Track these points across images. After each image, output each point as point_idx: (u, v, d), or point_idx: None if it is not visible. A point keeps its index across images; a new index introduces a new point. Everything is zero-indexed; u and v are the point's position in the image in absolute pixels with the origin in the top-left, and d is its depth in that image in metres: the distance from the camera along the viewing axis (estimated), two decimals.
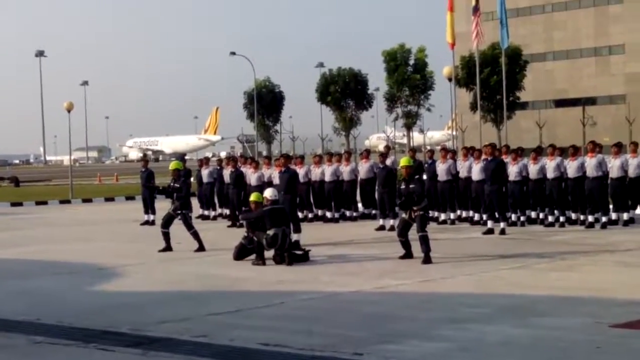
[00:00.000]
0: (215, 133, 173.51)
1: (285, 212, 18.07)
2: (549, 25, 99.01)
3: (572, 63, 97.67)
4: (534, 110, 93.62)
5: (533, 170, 22.98)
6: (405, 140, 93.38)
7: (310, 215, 26.59)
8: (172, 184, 19.95)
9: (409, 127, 77.29)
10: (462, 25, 59.05)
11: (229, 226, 25.69)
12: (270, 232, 17.12)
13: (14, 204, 40.14)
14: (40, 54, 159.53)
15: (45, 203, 40.82)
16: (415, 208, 16.82)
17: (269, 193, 18.03)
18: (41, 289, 15.19)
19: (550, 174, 22.65)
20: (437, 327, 10.80)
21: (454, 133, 52.76)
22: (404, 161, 17.62)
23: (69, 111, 47.21)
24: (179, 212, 19.64)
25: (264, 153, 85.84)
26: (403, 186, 17.13)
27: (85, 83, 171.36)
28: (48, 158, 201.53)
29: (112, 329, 11.18)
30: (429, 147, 60.94)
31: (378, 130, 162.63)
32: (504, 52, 45.41)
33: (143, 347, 10.07)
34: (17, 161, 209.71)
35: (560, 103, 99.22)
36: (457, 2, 42.94)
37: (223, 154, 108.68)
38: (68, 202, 41.57)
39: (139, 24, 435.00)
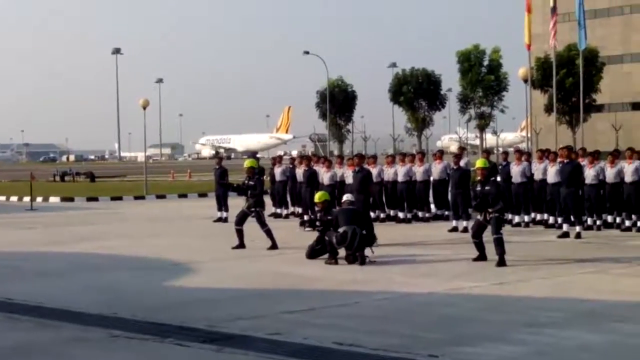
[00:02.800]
0: (287, 132, 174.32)
1: (358, 212, 17.95)
2: (627, 27, 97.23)
3: None
4: (610, 113, 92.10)
5: (610, 173, 22.62)
6: (477, 142, 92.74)
7: (382, 216, 26.53)
8: (246, 182, 20.06)
9: (482, 128, 76.66)
10: (538, 26, 58.42)
11: (300, 224, 25.67)
12: (340, 230, 17.11)
13: (90, 199, 40.87)
14: (116, 51, 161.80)
15: (120, 199, 41.43)
16: (490, 210, 16.68)
17: (346, 197, 18.37)
18: (117, 283, 15.40)
19: (628, 178, 22.27)
20: (512, 331, 10.68)
21: (529, 135, 52.16)
22: (479, 163, 17.47)
23: (144, 108, 47.78)
24: (253, 209, 19.74)
25: (335, 152, 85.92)
26: (478, 188, 17.00)
27: (160, 81, 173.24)
28: (122, 154, 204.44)
29: (188, 325, 11.27)
30: (501, 149, 60.43)
31: (450, 131, 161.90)
32: (581, 54, 44.72)
33: (218, 344, 10.14)
34: (92, 157, 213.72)
35: (638, 106, 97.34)
36: (533, 3, 42.46)
37: (294, 153, 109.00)
38: (142, 198, 42.15)
39: (213, 22, 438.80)
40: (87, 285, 15.11)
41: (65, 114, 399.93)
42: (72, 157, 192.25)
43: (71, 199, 41.14)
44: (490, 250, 16.64)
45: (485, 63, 73.73)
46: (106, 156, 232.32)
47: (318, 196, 18.67)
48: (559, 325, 10.94)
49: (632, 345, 9.90)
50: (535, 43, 42.71)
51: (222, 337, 10.50)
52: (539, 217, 24.22)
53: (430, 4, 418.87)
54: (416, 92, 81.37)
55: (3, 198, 43.70)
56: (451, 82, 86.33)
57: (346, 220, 17.21)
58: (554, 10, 39.01)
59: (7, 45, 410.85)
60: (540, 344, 9.95)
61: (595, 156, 23.26)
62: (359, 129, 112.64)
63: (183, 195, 43.12)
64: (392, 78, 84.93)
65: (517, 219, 24.35)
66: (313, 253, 17.78)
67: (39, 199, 40.17)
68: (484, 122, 75.41)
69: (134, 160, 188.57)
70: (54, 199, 41.29)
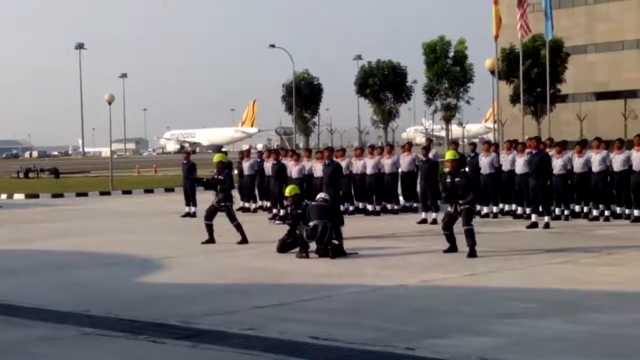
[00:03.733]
0: (252, 125, 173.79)
1: (328, 209, 17.85)
2: (591, 17, 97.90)
3: (614, 55, 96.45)
4: (575, 103, 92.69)
5: (578, 163, 22.73)
6: (442, 133, 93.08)
7: (351, 208, 26.48)
8: (215, 176, 19.93)
9: (447, 119, 76.89)
10: (504, 17, 58.54)
11: (270, 219, 25.60)
12: (311, 224, 17.07)
13: (55, 196, 40.49)
14: (80, 46, 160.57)
15: (85, 195, 41.09)
16: (460, 202, 16.68)
17: (320, 195, 18.39)
18: (88, 280, 15.24)
19: (595, 168, 22.40)
20: (487, 322, 10.68)
21: (495, 126, 52.36)
22: (449, 155, 17.43)
23: (109, 103, 47.33)
24: (223, 204, 19.63)
25: (301, 145, 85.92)
26: (448, 180, 16.99)
27: (124, 75, 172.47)
28: (86, 150, 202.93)
29: (161, 321, 11.17)
30: (469, 140, 60.57)
31: (415, 122, 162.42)
32: (548, 44, 44.92)
33: (193, 340, 10.05)
34: (55, 153, 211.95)
35: (602, 96, 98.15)
36: None
37: (260, 146, 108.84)
38: (108, 193, 41.79)
39: (177, 16, 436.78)
40: (58, 283, 14.94)
41: (28, 110, 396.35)
42: (35, 154, 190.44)
43: (36, 196, 40.75)
44: (461, 241, 16.67)
45: (451, 54, 73.96)
46: (70, 152, 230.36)
47: (288, 190, 18.60)
48: (533, 316, 10.97)
49: (607, 335, 9.93)
50: (501, 34, 42.70)
51: (196, 333, 10.41)
52: (507, 207, 24.31)
53: None
54: (382, 84, 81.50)
55: None
56: (417, 74, 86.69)
57: (317, 214, 17.18)
58: (521, 1, 39.13)
59: None
60: (516, 334, 9.96)
61: (563, 146, 23.38)
62: (325, 121, 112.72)
63: (149, 191, 42.82)
64: (357, 70, 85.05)
65: (485, 209, 24.42)
66: (284, 247, 17.73)
67: (3, 196, 39.81)
68: (450, 114, 75.65)
69: (98, 156, 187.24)
70: (18, 196, 40.89)
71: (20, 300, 13.00)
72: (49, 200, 38.65)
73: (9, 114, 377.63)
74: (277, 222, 18.59)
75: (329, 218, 17.25)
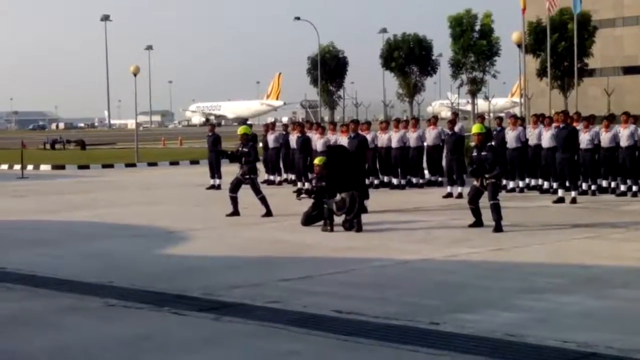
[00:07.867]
0: (277, 98, 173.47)
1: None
2: None
3: None
4: (602, 78, 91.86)
5: (605, 138, 22.49)
6: (468, 107, 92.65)
7: (376, 182, 26.39)
8: (240, 149, 19.87)
9: (473, 93, 76.54)
10: None
11: (294, 191, 25.49)
12: (338, 197, 16.98)
13: (81, 167, 40.65)
14: (105, 18, 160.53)
15: (111, 166, 41.23)
16: (487, 176, 16.54)
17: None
18: (112, 251, 15.26)
19: (623, 142, 22.15)
20: (512, 297, 10.59)
21: (522, 100, 51.96)
22: (476, 128, 17.32)
23: (135, 75, 47.38)
24: (247, 176, 19.59)
25: (327, 118, 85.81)
26: (475, 153, 16.86)
27: (149, 47, 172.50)
28: (112, 122, 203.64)
29: (185, 293, 11.15)
30: (495, 114, 60.12)
31: (441, 96, 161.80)
32: (575, 18, 44.50)
33: (216, 312, 10.02)
34: (82, 124, 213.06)
35: (629, 70, 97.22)
36: None
37: (285, 119, 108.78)
38: (134, 165, 41.93)
39: None
40: (82, 254, 14.96)
41: (54, 82, 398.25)
42: (61, 125, 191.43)
43: (62, 167, 40.93)
44: (487, 216, 16.55)
45: (477, 28, 73.50)
46: (96, 124, 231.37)
47: (318, 160, 18.45)
48: (559, 291, 10.86)
49: (634, 311, 9.83)
50: (528, 7, 42.23)
51: (220, 306, 10.38)
52: (533, 182, 24.13)
53: None
54: (407, 58, 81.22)
55: None
56: (442, 47, 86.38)
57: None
58: None
59: None
60: (542, 310, 9.85)
61: (591, 121, 23.15)
62: (350, 95, 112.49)
63: (174, 163, 42.92)
64: (383, 44, 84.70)
65: (511, 184, 24.24)
66: (308, 220, 17.67)
67: (30, 167, 39.94)
68: (476, 88, 75.33)
69: (124, 128, 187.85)
70: (44, 167, 41.07)
71: (44, 271, 13.02)
72: (75, 172, 38.84)
73: (36, 85, 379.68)
74: (302, 195, 18.51)
75: (355, 187, 17.08)
